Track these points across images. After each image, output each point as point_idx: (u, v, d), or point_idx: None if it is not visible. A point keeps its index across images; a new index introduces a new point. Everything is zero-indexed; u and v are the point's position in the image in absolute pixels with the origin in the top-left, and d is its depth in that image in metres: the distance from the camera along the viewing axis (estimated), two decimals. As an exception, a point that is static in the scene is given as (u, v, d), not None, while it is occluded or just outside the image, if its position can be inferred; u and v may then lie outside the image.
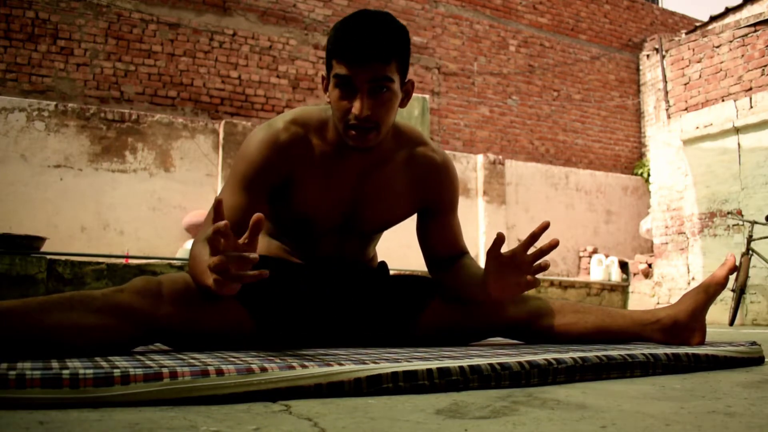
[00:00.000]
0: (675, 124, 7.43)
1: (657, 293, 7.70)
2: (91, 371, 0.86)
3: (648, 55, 10.33)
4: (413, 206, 1.58)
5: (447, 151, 8.17)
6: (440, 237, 1.59)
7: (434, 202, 1.57)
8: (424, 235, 1.61)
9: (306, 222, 1.49)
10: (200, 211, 6.35)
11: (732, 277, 5.78)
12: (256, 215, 1.02)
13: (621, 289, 8.30)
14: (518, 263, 1.32)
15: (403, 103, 1.42)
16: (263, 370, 0.93)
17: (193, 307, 1.29)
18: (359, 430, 0.72)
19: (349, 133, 1.34)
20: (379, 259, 1.74)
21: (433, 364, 1.04)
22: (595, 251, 8.75)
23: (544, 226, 1.27)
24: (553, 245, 1.24)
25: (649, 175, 8.34)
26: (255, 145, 1.41)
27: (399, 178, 1.52)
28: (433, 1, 9.00)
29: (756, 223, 6.05)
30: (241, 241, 1.05)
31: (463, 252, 1.61)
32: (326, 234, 1.53)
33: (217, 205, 1.06)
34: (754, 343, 1.56)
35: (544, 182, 8.84)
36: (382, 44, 1.29)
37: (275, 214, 1.51)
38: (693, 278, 7.17)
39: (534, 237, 1.29)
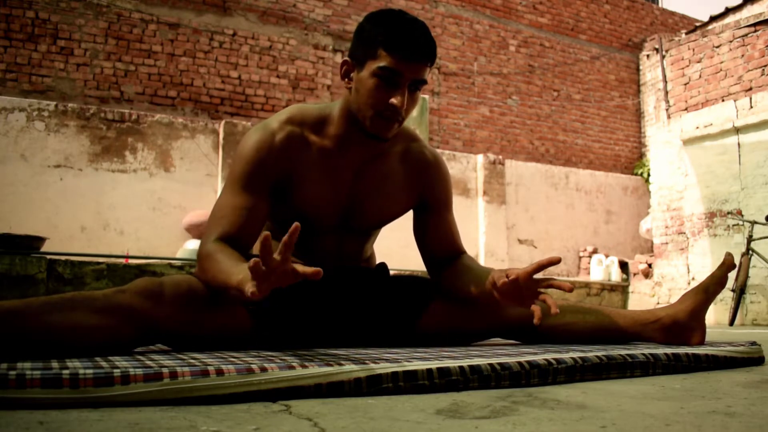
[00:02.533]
0: (675, 124, 7.43)
1: (657, 293, 7.70)
2: (91, 371, 0.86)
3: (648, 55, 10.33)
4: (409, 201, 1.60)
5: (447, 151, 8.22)
6: (437, 236, 1.60)
7: (429, 198, 1.59)
8: (421, 234, 1.62)
9: (306, 220, 1.50)
10: (200, 211, 6.35)
11: (732, 277, 5.81)
12: (292, 229, 0.98)
13: (621, 289, 8.29)
14: (521, 288, 1.30)
15: None
16: (263, 370, 0.93)
17: (194, 309, 1.30)
18: (359, 430, 0.72)
19: (378, 122, 1.38)
20: (380, 260, 1.74)
21: (433, 364, 1.04)
22: (595, 251, 8.75)
23: (554, 261, 1.22)
24: (554, 262, 1.22)
25: (649, 175, 8.34)
26: (251, 146, 1.43)
27: (395, 172, 1.55)
28: (433, 1, 8.99)
29: (756, 223, 6.04)
30: (276, 256, 1.01)
31: (461, 252, 1.62)
32: (326, 232, 1.54)
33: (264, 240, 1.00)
34: (754, 343, 1.56)
35: (544, 182, 8.83)
36: (431, 48, 1.38)
37: (275, 213, 1.51)
38: (693, 278, 7.16)
39: (540, 267, 1.26)
